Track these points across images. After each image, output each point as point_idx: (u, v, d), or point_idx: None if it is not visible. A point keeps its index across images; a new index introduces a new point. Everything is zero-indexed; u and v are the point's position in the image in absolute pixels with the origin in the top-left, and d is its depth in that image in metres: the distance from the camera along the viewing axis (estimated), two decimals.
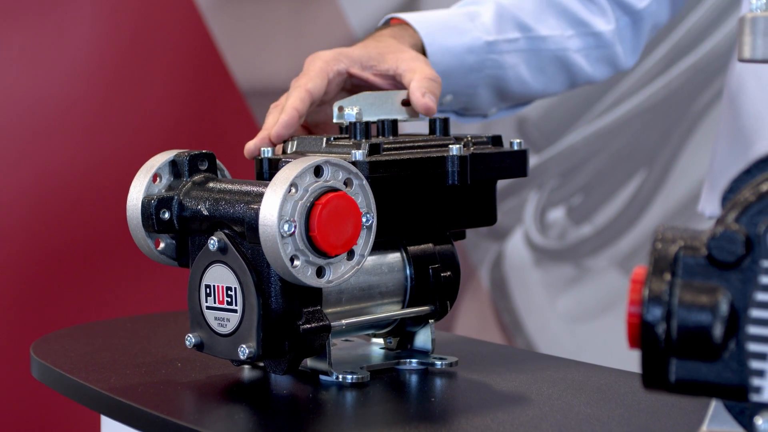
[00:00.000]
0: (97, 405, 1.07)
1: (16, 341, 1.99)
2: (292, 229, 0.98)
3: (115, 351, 1.20)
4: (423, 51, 1.33)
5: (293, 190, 0.98)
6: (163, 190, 1.08)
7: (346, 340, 1.19)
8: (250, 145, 1.14)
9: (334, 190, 1.00)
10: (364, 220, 1.01)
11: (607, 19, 1.48)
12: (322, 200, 0.98)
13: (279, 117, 1.16)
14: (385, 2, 2.42)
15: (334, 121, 1.14)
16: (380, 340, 1.16)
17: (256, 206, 0.99)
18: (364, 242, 1.02)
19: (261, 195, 0.99)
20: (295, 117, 1.15)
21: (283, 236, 0.97)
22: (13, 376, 2.02)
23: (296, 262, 0.99)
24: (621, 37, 1.49)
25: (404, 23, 1.35)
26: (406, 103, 1.18)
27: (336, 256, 1.00)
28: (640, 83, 2.55)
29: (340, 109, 1.14)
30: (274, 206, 0.97)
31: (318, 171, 1.00)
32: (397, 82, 1.23)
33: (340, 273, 1.02)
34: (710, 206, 1.49)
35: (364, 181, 1.02)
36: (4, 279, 2.05)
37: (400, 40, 1.30)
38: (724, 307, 0.69)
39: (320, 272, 1.00)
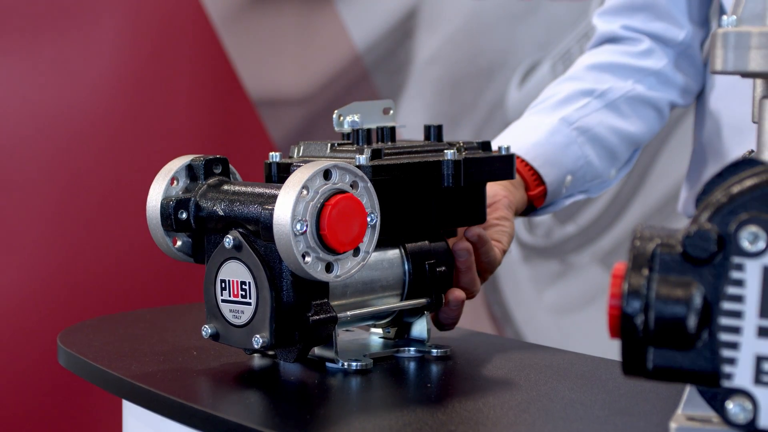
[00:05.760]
0: (118, 390, 1.07)
1: (45, 331, 1.99)
2: (304, 228, 0.98)
3: (135, 340, 1.20)
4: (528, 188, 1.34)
5: (305, 192, 0.99)
6: (181, 192, 1.08)
7: (347, 330, 1.19)
8: None
9: (342, 191, 1.00)
10: (369, 219, 1.02)
11: (658, 57, 1.45)
12: (332, 201, 0.99)
13: None
14: (385, 17, 2.42)
15: (335, 128, 1.14)
16: (379, 330, 1.17)
17: (270, 207, 1.00)
18: (369, 240, 1.03)
19: (274, 197, 1.00)
20: None
21: (295, 234, 0.98)
22: (42, 364, 2.02)
23: (307, 259, 0.99)
24: (678, 68, 1.46)
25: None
26: (387, 111, 1.18)
27: (344, 252, 1.00)
28: None
29: (340, 117, 1.14)
30: (287, 207, 0.98)
31: (327, 174, 1.00)
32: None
33: (347, 268, 1.02)
34: (690, 208, 1.48)
35: (369, 184, 1.03)
36: (33, 274, 2.05)
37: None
38: (697, 300, 0.69)
39: (329, 268, 1.01)
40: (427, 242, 1.13)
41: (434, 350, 1.11)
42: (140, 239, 1.82)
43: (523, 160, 1.35)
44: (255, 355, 1.10)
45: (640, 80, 1.44)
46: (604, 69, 1.44)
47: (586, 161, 1.40)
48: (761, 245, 0.69)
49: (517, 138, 1.36)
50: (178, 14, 2.19)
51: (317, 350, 1.07)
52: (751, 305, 0.69)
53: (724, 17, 0.78)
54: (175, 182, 1.09)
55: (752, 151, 0.90)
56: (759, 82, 0.86)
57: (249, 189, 1.04)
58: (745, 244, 0.69)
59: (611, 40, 1.48)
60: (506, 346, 1.23)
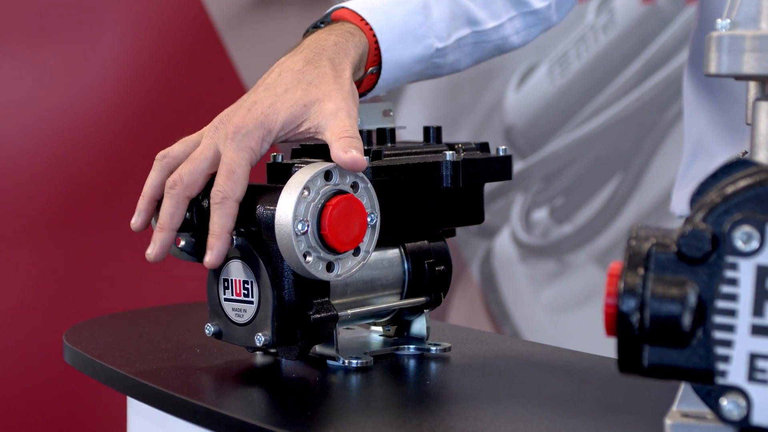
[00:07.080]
0: (123, 387, 1.07)
1: (50, 329, 1.99)
2: (305, 228, 0.98)
3: (140, 338, 1.20)
4: (369, 57, 1.18)
5: (306, 193, 0.99)
6: None
7: (348, 329, 1.19)
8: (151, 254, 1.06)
9: (343, 192, 1.00)
10: (369, 219, 1.02)
11: None
12: (332, 202, 0.99)
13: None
14: None
15: None
16: (379, 328, 1.17)
17: (272, 207, 1.00)
18: (369, 240, 1.03)
19: (276, 197, 1.00)
20: (228, 240, 1.02)
21: (297, 235, 0.98)
22: (48, 361, 2.02)
23: (309, 258, 0.99)
24: (558, 4, 1.38)
25: (352, 21, 1.19)
26: (387, 113, 1.18)
27: (344, 252, 1.01)
28: (617, 95, 2.55)
29: None
30: (288, 207, 0.98)
31: (328, 175, 1.00)
32: (317, 140, 1.09)
33: (347, 268, 1.02)
34: (680, 207, 1.49)
35: (369, 184, 1.03)
36: (39, 273, 2.05)
37: (339, 62, 1.12)
38: (692, 299, 0.69)
39: (330, 267, 1.01)
40: (426, 242, 1.13)
41: (433, 348, 1.12)
42: (144, 239, 1.82)
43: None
44: (257, 352, 1.10)
45: (520, 16, 1.35)
46: None
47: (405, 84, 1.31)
48: (755, 245, 0.69)
49: (397, 45, 1.23)
50: (181, 17, 2.19)
51: (318, 348, 1.07)
52: (744, 304, 0.69)
53: (718, 20, 0.79)
54: None
55: (746, 152, 0.90)
56: (752, 84, 0.86)
57: (251, 189, 1.04)
58: (739, 244, 0.69)
59: None
60: (504, 344, 1.23)
